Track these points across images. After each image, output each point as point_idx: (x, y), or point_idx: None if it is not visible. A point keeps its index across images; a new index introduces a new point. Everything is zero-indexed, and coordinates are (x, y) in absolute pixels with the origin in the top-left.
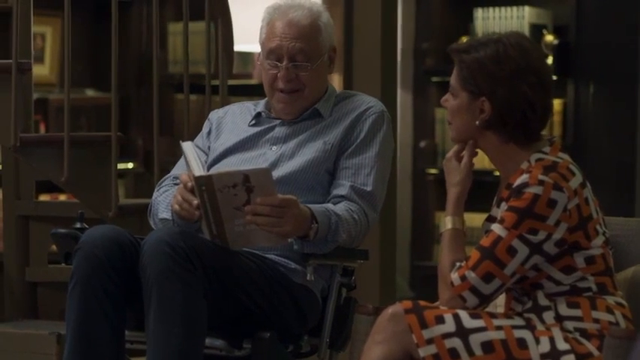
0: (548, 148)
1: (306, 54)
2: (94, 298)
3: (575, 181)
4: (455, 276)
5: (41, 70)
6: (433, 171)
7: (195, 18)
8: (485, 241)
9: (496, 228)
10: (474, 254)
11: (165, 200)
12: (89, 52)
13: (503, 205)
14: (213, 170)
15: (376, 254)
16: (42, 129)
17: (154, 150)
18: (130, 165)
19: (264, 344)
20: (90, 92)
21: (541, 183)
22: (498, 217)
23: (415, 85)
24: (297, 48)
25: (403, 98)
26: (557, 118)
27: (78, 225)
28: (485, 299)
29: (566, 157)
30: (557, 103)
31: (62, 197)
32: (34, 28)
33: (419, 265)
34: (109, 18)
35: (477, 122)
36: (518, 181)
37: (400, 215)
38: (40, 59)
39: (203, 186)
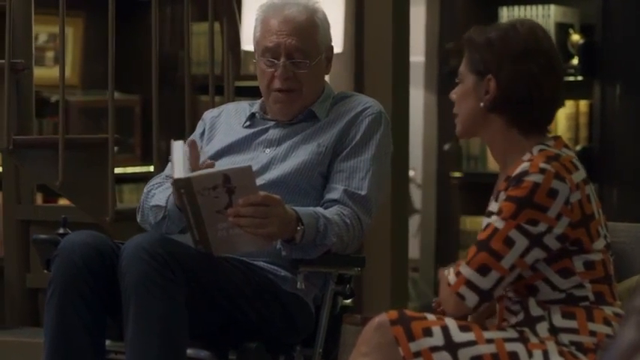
0: (553, 142)
1: (303, 51)
2: (72, 307)
3: (578, 176)
4: (451, 276)
5: None
6: (458, 174)
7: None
8: (482, 235)
9: (493, 220)
10: (471, 249)
11: (164, 191)
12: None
13: (502, 196)
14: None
15: (387, 259)
16: None
17: (153, 151)
18: (152, 168)
19: (250, 355)
20: None
21: (542, 171)
22: (496, 210)
23: (440, 86)
24: (294, 45)
25: (427, 99)
26: (583, 120)
27: (61, 230)
28: (485, 295)
29: (570, 152)
30: (583, 104)
31: None
32: (54, 29)
33: None
34: (133, 19)
35: (482, 103)
36: (518, 170)
37: (424, 219)
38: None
39: (182, 189)
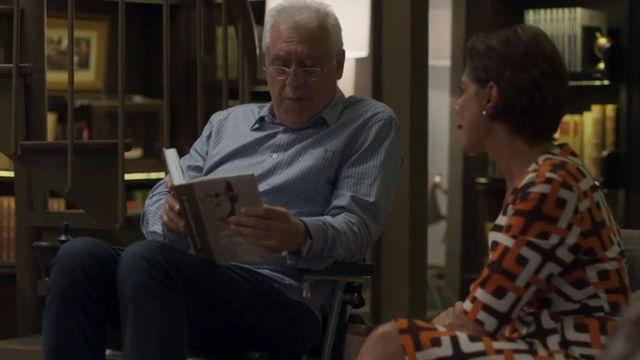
0: (558, 150)
1: (314, 58)
2: (70, 316)
3: (585, 183)
4: (466, 303)
5: (86, 77)
6: (483, 180)
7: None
8: (494, 256)
9: (503, 239)
10: (483, 272)
11: (157, 212)
12: (138, 58)
13: (510, 210)
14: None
15: (405, 266)
16: (85, 136)
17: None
18: None
19: None
20: (137, 99)
21: (548, 181)
22: (505, 225)
23: None
24: (306, 52)
25: (453, 104)
26: (609, 125)
27: (62, 237)
28: (504, 318)
29: (576, 159)
30: (610, 109)
31: None
32: (78, 33)
33: (469, 277)
34: (158, 23)
35: (485, 112)
36: (524, 181)
37: (450, 226)
38: (85, 65)
39: (184, 196)
